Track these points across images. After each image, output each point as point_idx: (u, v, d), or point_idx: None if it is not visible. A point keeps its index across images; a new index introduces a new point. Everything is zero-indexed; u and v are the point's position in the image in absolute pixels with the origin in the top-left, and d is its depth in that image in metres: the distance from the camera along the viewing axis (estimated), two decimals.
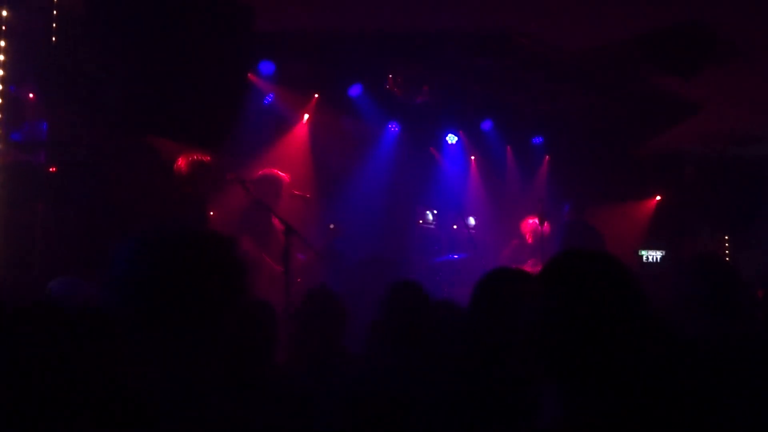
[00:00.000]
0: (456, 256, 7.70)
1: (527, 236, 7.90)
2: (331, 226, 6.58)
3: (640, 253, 9.26)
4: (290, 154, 7.30)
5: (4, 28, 4.56)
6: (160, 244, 1.47)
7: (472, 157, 9.21)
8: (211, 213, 5.94)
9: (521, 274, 2.56)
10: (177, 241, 1.49)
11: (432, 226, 8.66)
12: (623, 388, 1.43)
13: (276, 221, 5.84)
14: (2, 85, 4.56)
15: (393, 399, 2.37)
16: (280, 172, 6.29)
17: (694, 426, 1.52)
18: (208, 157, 5.55)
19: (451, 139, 8.88)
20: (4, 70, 4.56)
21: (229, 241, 1.55)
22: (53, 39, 4.73)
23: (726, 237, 10.15)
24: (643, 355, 1.45)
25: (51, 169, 4.67)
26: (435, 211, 8.70)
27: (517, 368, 2.15)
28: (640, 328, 1.46)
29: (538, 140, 9.35)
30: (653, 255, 9.33)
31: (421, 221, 8.61)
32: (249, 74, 6.23)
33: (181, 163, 5.51)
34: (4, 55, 4.56)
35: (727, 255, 10.02)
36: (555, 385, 1.46)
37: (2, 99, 4.55)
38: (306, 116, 7.57)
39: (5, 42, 4.56)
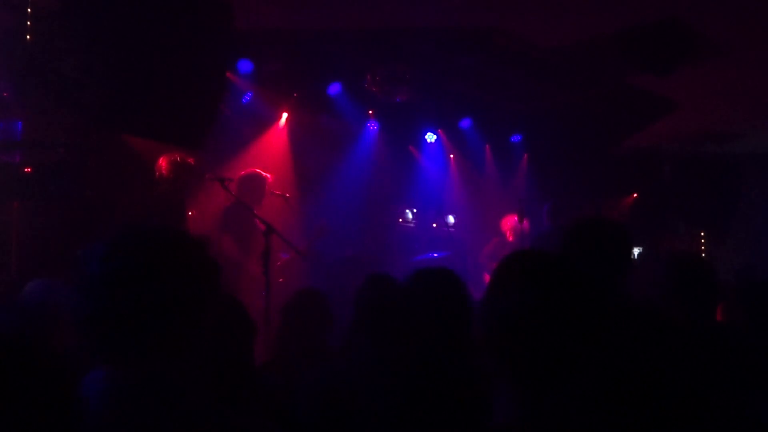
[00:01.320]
0: (435, 255, 7.71)
1: (507, 234, 7.93)
2: (321, 225, 6.57)
3: None
4: (269, 153, 7.28)
5: None
6: (131, 244, 1.45)
7: (452, 156, 9.23)
8: (190, 213, 5.90)
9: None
10: (148, 241, 1.47)
11: (411, 225, 8.67)
12: (581, 386, 1.43)
13: (257, 221, 5.82)
14: None
15: (367, 393, 2.38)
16: (263, 172, 6.26)
17: (659, 420, 1.53)
18: (190, 157, 5.51)
19: (430, 137, 8.90)
20: None
21: (201, 240, 1.54)
22: (28, 36, 4.67)
23: (702, 234, 10.28)
24: (599, 354, 1.45)
25: (26, 169, 4.61)
26: (414, 210, 8.72)
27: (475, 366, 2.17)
28: (596, 326, 1.46)
29: (516, 138, 9.40)
30: None
31: (400, 220, 8.62)
32: (227, 73, 6.19)
33: (162, 163, 5.46)
34: None
35: (702, 251, 10.15)
36: (510, 384, 1.46)
37: None
38: (285, 115, 7.54)
39: None
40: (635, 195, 9.93)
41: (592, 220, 2.66)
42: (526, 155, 9.48)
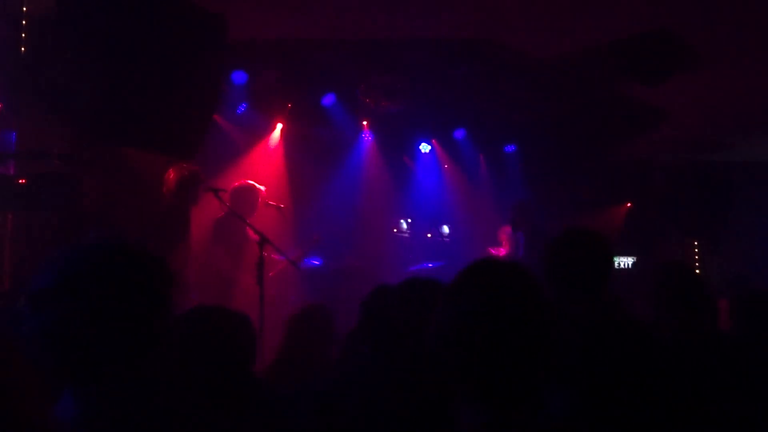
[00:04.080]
0: (430, 265, 7.72)
1: (504, 244, 7.93)
2: (315, 237, 6.59)
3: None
4: (264, 164, 7.29)
5: None
6: (80, 259, 1.43)
7: (446, 166, 9.26)
8: None
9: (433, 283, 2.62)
10: (99, 254, 1.45)
11: (406, 235, 8.68)
12: (529, 402, 1.40)
13: (250, 232, 5.82)
14: None
15: (366, 405, 2.38)
16: (256, 184, 6.27)
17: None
18: (196, 168, 5.53)
19: (425, 147, 8.93)
20: None
21: (154, 252, 1.51)
22: (22, 48, 4.68)
23: (695, 242, 10.31)
24: (549, 369, 1.42)
25: (21, 181, 4.61)
26: (409, 220, 8.72)
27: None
28: (548, 339, 1.42)
29: (510, 148, 9.43)
30: (625, 261, 9.44)
31: (395, 230, 8.62)
32: (222, 83, 6.21)
33: (171, 175, 5.47)
34: None
35: (696, 260, 10.18)
36: (466, 402, 1.42)
37: None
38: (279, 125, 7.56)
39: None
40: (629, 204, 9.96)
41: (574, 230, 2.79)
42: (520, 165, 9.50)
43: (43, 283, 1.40)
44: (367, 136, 8.31)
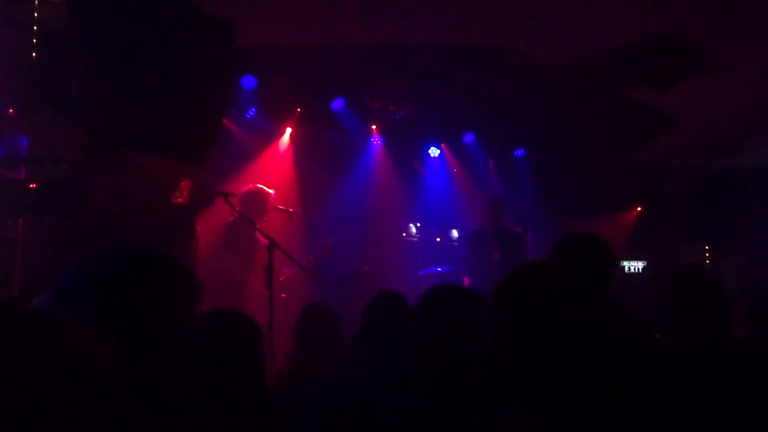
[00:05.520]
0: (439, 269, 7.71)
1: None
2: (329, 243, 6.60)
3: (622, 264, 9.33)
4: (273, 168, 7.31)
5: None
6: (109, 258, 1.46)
7: (455, 170, 9.25)
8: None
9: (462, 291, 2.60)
10: (127, 256, 1.47)
11: (415, 239, 8.68)
12: (581, 403, 1.42)
13: (260, 236, 5.83)
14: None
15: (369, 409, 2.38)
16: (266, 188, 6.28)
17: None
18: (206, 183, 5.57)
19: (434, 152, 8.93)
20: None
21: (182, 263, 1.53)
22: (34, 54, 4.71)
23: (706, 247, 10.25)
24: (597, 370, 1.44)
25: (32, 185, 4.63)
26: (418, 224, 8.72)
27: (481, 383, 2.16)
28: (595, 343, 1.45)
29: (520, 153, 9.41)
30: (635, 266, 9.41)
31: (404, 234, 8.62)
32: (231, 88, 6.23)
33: (184, 186, 5.51)
34: None
35: (707, 265, 10.12)
36: (517, 402, 1.45)
37: None
38: (288, 130, 7.58)
39: None
40: (639, 209, 9.92)
41: (574, 234, 2.81)
42: (529, 170, 9.48)
43: (68, 283, 1.43)
44: (377, 141, 8.32)
